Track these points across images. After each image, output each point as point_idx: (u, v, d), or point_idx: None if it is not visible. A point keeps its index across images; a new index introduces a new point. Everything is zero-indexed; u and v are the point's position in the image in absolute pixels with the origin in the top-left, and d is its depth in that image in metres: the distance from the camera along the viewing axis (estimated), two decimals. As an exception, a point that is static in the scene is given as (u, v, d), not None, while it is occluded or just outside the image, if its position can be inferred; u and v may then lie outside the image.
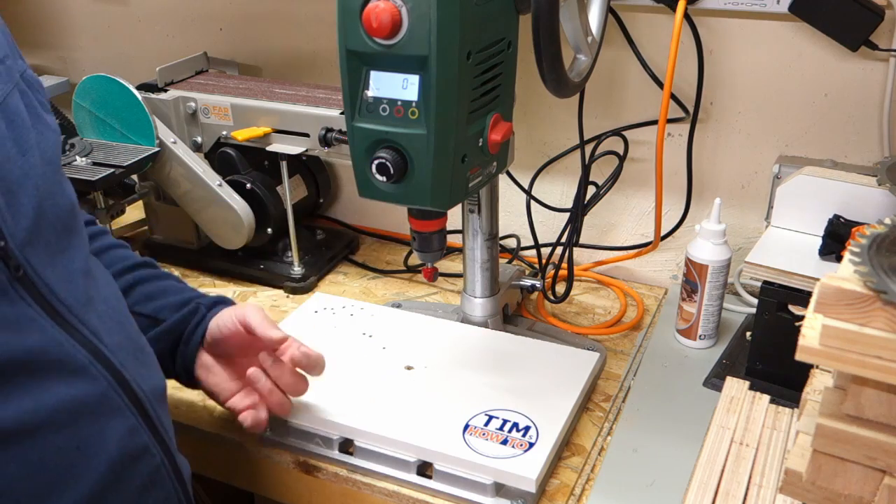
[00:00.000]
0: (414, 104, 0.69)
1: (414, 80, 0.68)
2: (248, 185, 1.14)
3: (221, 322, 0.82)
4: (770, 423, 0.77)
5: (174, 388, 0.97)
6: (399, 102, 0.70)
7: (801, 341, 0.48)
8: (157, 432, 0.67)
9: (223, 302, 0.85)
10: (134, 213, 1.31)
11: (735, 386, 0.83)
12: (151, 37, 1.40)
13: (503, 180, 1.15)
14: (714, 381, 0.94)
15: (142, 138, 1.13)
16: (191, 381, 0.84)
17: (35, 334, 0.58)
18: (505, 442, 0.79)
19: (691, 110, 1.05)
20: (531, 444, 0.79)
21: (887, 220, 0.53)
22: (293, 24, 1.27)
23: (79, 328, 0.61)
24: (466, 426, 0.82)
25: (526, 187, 1.15)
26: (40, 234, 0.60)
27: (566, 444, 0.86)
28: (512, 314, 1.08)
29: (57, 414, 0.58)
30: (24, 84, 0.65)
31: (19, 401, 0.56)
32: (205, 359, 0.83)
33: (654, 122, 1.04)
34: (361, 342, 0.97)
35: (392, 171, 0.71)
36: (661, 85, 1.04)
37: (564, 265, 1.05)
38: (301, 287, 1.17)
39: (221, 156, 1.17)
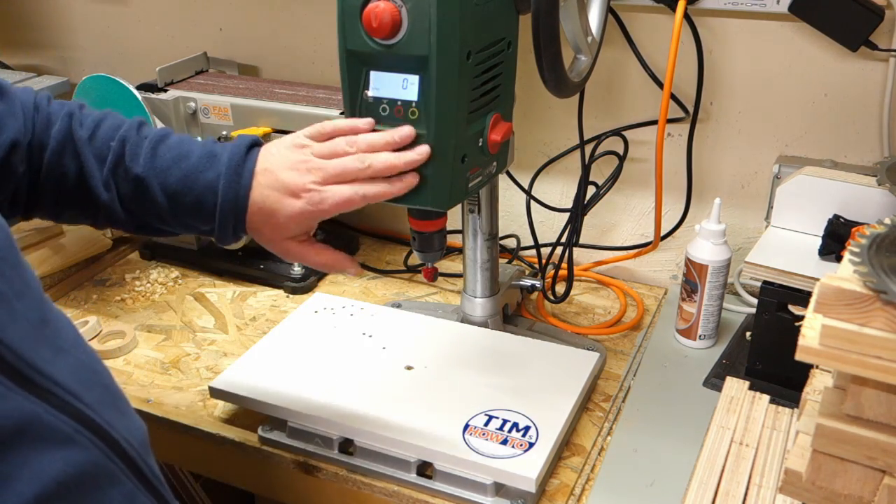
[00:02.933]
0: (414, 104, 0.69)
1: (414, 80, 0.68)
2: (248, 185, 1.14)
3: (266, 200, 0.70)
4: (770, 423, 0.77)
5: (174, 387, 0.97)
6: (399, 102, 0.70)
7: (801, 341, 0.48)
8: (152, 488, 0.60)
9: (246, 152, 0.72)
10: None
11: (735, 386, 0.83)
12: (151, 37, 1.40)
13: (503, 180, 1.15)
14: (714, 381, 0.94)
15: (142, 138, 1.13)
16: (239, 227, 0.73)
17: (7, 410, 0.49)
18: (505, 442, 0.79)
19: (691, 110, 1.05)
20: (531, 444, 0.79)
21: (887, 220, 0.53)
22: (293, 24, 1.27)
23: (54, 391, 0.53)
24: (466, 426, 0.82)
25: (526, 187, 1.15)
26: None
27: (566, 444, 0.86)
28: (512, 314, 1.08)
29: (51, 498, 0.50)
30: None
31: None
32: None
33: (654, 122, 1.04)
34: (361, 342, 0.97)
35: (392, 172, 0.71)
36: (661, 85, 1.04)
37: (564, 265, 1.05)
38: (301, 287, 1.17)
39: (221, 156, 1.17)
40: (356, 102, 0.72)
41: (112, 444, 0.57)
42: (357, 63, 0.70)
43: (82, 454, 0.53)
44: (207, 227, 0.73)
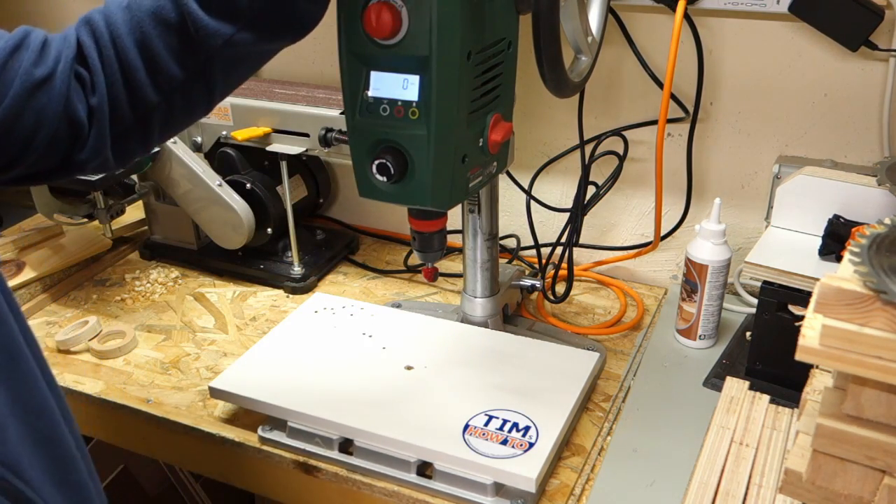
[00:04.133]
0: (414, 104, 0.69)
1: (414, 80, 0.68)
2: (248, 185, 1.14)
3: None
4: (770, 423, 0.77)
5: (174, 387, 0.97)
6: (399, 102, 0.70)
7: (801, 341, 0.48)
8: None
9: None
10: (134, 213, 1.31)
11: (735, 386, 0.83)
12: (151, 37, 1.40)
13: (503, 180, 1.15)
14: (714, 381, 0.95)
15: (142, 138, 1.13)
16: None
17: None
18: (505, 442, 0.79)
19: (691, 110, 1.05)
20: (531, 444, 0.79)
21: (887, 220, 0.53)
22: (293, 24, 1.27)
23: None
24: (466, 426, 0.82)
25: (526, 187, 1.15)
26: None
27: (566, 444, 0.87)
28: (512, 314, 1.08)
29: None
30: None
31: None
32: None
33: (654, 122, 1.04)
34: (361, 342, 0.97)
35: (392, 172, 0.71)
36: (661, 85, 1.04)
37: (564, 265, 1.05)
38: (301, 287, 1.17)
39: (221, 156, 1.17)
40: (356, 102, 0.72)
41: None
42: (357, 63, 0.70)
43: None
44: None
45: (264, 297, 1.17)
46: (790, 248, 0.92)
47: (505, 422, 0.82)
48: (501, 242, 1.13)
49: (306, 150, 1.10)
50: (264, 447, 0.87)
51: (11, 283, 1.13)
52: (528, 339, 0.97)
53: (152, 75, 0.64)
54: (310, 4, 0.64)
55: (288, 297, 1.17)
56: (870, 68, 0.96)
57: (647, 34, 1.04)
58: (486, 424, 0.82)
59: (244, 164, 1.17)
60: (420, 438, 0.80)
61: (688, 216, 1.11)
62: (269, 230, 1.17)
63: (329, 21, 0.68)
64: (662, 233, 1.11)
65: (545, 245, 1.12)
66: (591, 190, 1.02)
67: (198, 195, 1.14)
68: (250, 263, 1.20)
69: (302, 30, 0.65)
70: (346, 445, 0.85)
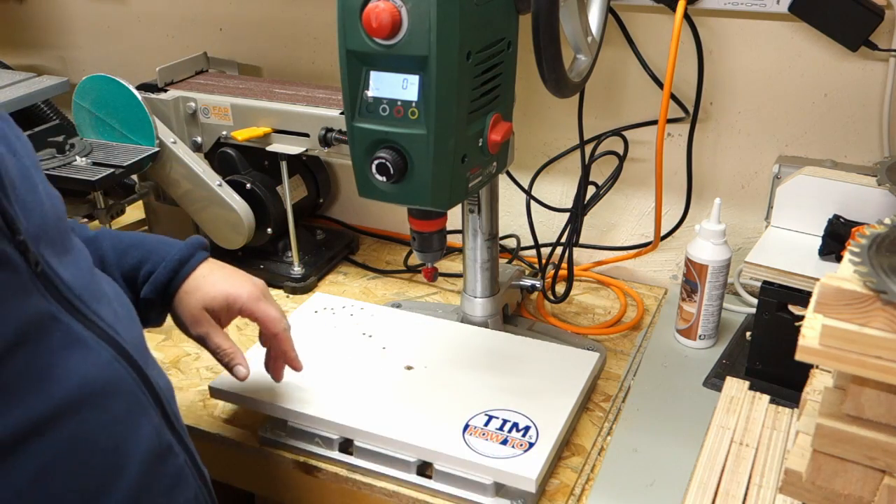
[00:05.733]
0: (414, 104, 0.69)
1: (414, 80, 0.68)
2: (248, 185, 1.14)
3: (207, 295, 0.79)
4: (770, 423, 0.77)
5: (174, 387, 0.97)
6: (399, 102, 0.70)
7: (801, 341, 0.48)
8: (176, 432, 0.66)
9: (196, 249, 0.80)
10: (134, 213, 1.31)
11: (735, 386, 0.83)
12: (151, 37, 1.40)
13: (503, 180, 1.15)
14: (714, 381, 0.94)
15: (142, 138, 1.13)
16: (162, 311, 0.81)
17: (57, 333, 0.57)
18: (505, 442, 0.79)
19: (691, 110, 1.05)
20: (531, 444, 0.79)
21: (887, 220, 0.53)
22: (293, 24, 1.27)
23: (99, 324, 0.60)
24: (466, 426, 0.82)
25: (526, 187, 1.15)
26: (47, 232, 0.59)
27: (566, 444, 0.86)
28: (512, 314, 1.08)
29: (91, 396, 0.57)
30: None
31: (49, 390, 0.55)
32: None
33: (654, 122, 1.04)
34: (361, 342, 0.97)
35: (392, 171, 0.71)
36: (661, 85, 1.04)
37: (564, 265, 1.05)
38: (301, 287, 1.17)
39: (221, 156, 1.17)
40: (356, 102, 0.72)
41: (145, 379, 0.63)
42: (357, 63, 0.70)
43: (117, 376, 0.60)
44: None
45: (264, 297, 1.17)
46: (790, 248, 0.92)
47: (505, 422, 0.82)
48: (501, 242, 1.13)
49: (306, 150, 1.10)
50: (264, 447, 0.88)
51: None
52: (527, 339, 0.97)
53: None
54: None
55: (288, 297, 1.17)
56: (870, 68, 0.96)
57: (647, 34, 1.04)
58: (486, 424, 0.82)
59: (244, 164, 1.17)
60: (420, 438, 0.80)
61: (688, 216, 1.11)
62: (269, 230, 1.17)
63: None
64: (662, 233, 1.11)
65: (545, 245, 1.12)
66: (591, 190, 1.02)
67: (198, 195, 1.14)
68: (250, 263, 1.20)
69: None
70: (346, 445, 0.85)
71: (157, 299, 0.78)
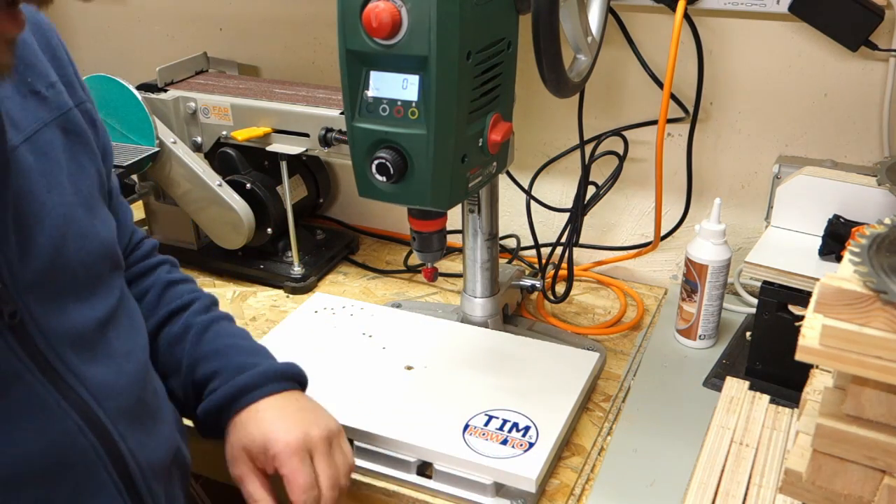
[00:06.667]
0: (414, 104, 0.69)
1: (414, 80, 0.68)
2: (248, 185, 1.14)
3: (248, 435, 0.71)
4: (770, 423, 0.77)
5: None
6: (399, 102, 0.70)
7: (801, 341, 0.48)
8: None
9: (269, 380, 0.75)
10: (134, 213, 1.30)
11: (735, 386, 0.83)
12: (151, 37, 1.40)
13: (503, 180, 1.15)
14: (714, 381, 0.94)
15: (142, 138, 1.13)
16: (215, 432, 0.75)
17: (16, 394, 0.52)
18: (505, 442, 0.79)
19: (691, 110, 1.05)
20: (531, 444, 0.79)
21: (887, 220, 0.53)
22: (293, 24, 1.27)
23: (74, 387, 0.55)
24: (466, 426, 0.82)
25: (526, 187, 1.15)
26: (54, 277, 0.55)
27: (566, 444, 0.86)
28: (512, 314, 1.08)
29: (36, 470, 0.53)
30: (76, 118, 0.61)
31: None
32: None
33: (654, 122, 1.04)
34: (361, 342, 0.97)
35: (392, 171, 0.71)
36: (661, 85, 1.04)
37: (564, 265, 1.05)
38: (301, 287, 1.17)
39: (221, 156, 1.17)
40: (356, 102, 0.72)
41: (114, 454, 0.57)
42: (357, 63, 0.70)
43: (76, 455, 0.55)
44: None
45: (264, 297, 1.17)
46: (790, 248, 0.92)
47: (505, 422, 0.82)
48: (501, 242, 1.13)
49: (306, 150, 1.10)
50: (264, 447, 0.87)
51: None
52: (528, 339, 0.97)
53: None
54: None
55: (288, 297, 1.17)
56: (870, 68, 0.96)
57: (647, 34, 1.04)
58: (486, 424, 0.82)
59: (244, 164, 1.17)
60: (420, 438, 0.80)
61: (688, 216, 1.11)
62: (269, 230, 1.17)
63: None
64: (662, 233, 1.11)
65: (545, 245, 1.12)
66: (591, 190, 1.02)
67: (198, 195, 1.14)
68: (250, 263, 1.20)
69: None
70: (346, 445, 0.85)
71: (210, 422, 0.73)
